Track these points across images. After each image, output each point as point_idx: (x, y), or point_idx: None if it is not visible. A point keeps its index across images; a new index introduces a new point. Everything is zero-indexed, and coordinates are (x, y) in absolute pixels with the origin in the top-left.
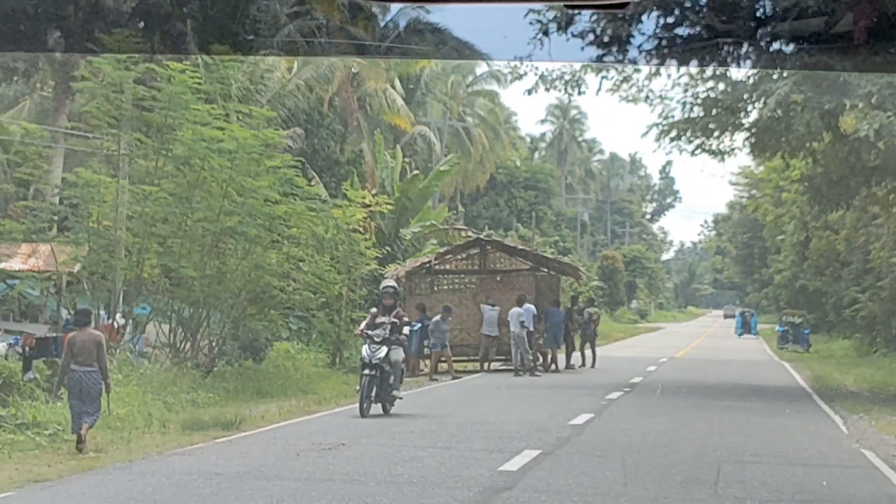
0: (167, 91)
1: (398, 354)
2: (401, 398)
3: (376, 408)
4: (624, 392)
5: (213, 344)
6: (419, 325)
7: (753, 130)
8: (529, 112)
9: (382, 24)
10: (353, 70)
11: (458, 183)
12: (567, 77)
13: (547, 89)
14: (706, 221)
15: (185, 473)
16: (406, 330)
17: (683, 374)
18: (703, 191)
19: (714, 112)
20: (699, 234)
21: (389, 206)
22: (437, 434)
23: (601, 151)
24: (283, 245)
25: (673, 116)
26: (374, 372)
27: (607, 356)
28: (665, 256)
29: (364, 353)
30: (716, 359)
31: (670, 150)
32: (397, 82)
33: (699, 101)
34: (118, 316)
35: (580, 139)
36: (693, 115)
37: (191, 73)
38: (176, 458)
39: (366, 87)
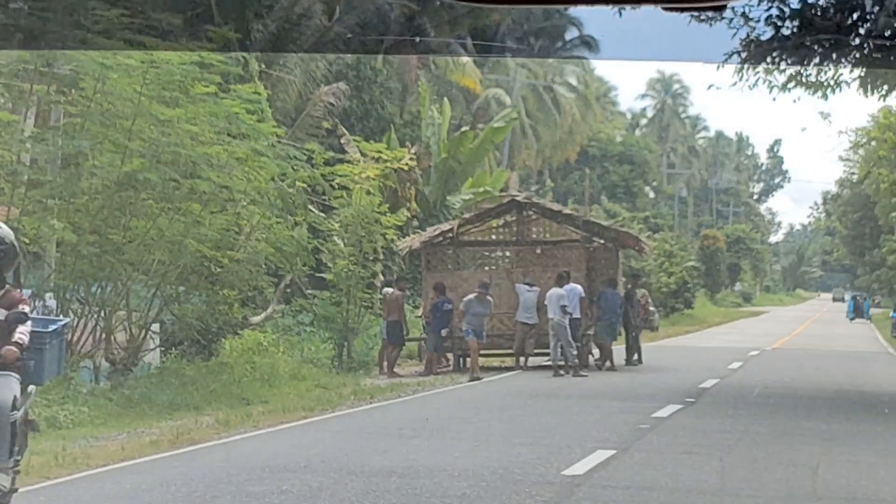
0: None
1: (7, 390)
2: (14, 480)
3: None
4: (684, 404)
5: (134, 335)
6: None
7: (865, 51)
8: (630, 86)
9: None
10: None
11: (546, 156)
12: None
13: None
14: (816, 203)
15: None
16: (22, 333)
17: (775, 372)
18: (815, 171)
19: (812, 28)
20: (809, 216)
21: (411, 162)
22: (317, 498)
23: (706, 128)
24: (234, 203)
25: (760, 39)
26: None
27: (691, 346)
28: (774, 238)
29: None
30: (819, 350)
31: (755, 83)
32: (469, 40)
33: (792, 11)
34: (48, 297)
35: (683, 115)
36: (785, 33)
37: None
38: None
39: (428, 41)
